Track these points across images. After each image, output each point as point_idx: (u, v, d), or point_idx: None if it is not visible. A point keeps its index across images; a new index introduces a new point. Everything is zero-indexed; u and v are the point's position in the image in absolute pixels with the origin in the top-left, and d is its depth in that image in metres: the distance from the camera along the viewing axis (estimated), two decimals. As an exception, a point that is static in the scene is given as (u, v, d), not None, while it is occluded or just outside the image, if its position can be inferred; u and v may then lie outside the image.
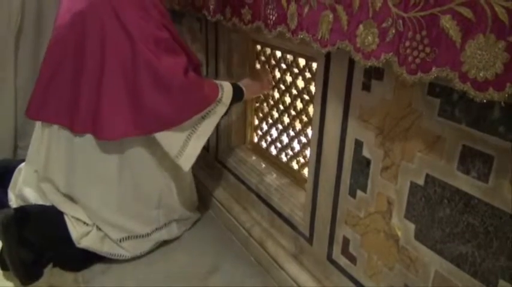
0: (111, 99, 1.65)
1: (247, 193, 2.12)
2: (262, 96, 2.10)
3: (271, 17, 1.49)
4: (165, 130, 1.69)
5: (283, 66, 1.93)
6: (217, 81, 1.86)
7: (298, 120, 1.92)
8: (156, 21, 1.67)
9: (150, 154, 1.86)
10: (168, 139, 1.73)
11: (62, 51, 1.70)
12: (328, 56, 1.45)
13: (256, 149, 2.24)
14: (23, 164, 2.03)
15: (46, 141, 1.85)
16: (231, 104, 1.86)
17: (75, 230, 1.83)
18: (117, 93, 1.65)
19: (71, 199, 1.87)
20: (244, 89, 1.92)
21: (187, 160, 1.78)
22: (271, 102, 2.08)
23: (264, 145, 2.20)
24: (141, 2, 1.66)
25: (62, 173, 1.83)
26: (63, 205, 1.86)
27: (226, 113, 1.87)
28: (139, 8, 1.64)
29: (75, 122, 1.71)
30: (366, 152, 1.37)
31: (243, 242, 2.07)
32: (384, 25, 1.07)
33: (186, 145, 1.76)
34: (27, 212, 1.79)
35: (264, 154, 2.18)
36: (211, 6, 1.87)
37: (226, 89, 1.84)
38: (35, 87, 1.79)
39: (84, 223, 1.86)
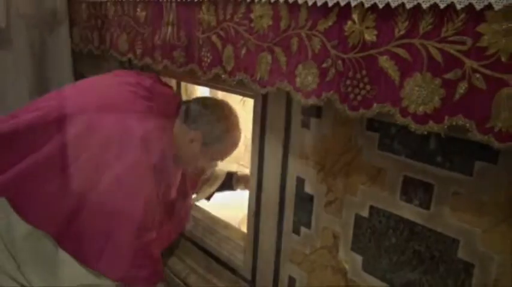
0: None
1: (180, 240, 2.14)
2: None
3: (205, 59, 1.57)
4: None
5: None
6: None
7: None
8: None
9: None
10: None
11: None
12: (265, 95, 1.55)
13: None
14: None
15: None
16: None
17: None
18: None
19: None
20: None
21: None
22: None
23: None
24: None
25: None
26: None
27: None
28: None
29: None
30: (308, 188, 1.46)
31: (179, 292, 2.08)
32: (323, 65, 1.18)
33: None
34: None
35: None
36: (139, 50, 1.92)
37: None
38: None
39: None
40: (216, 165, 2.13)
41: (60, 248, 1.59)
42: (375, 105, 1.09)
